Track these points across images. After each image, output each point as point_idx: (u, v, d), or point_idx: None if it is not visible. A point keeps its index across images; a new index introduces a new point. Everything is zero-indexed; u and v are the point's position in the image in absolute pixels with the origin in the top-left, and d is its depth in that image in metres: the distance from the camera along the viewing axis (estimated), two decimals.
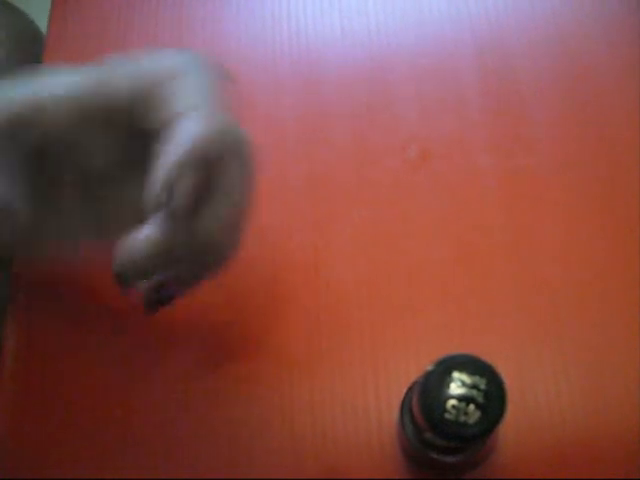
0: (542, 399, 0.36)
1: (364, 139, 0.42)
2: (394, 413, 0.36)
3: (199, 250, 0.30)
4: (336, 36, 0.45)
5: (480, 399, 0.25)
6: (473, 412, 0.25)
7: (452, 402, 0.25)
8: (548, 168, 0.41)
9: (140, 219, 0.30)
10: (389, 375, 0.37)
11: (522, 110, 0.42)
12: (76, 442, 0.36)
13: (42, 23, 0.51)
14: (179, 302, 0.33)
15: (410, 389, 0.31)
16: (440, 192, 0.40)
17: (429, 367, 0.26)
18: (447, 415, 0.25)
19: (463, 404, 0.25)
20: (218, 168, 0.29)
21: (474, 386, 0.25)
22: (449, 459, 0.30)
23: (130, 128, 0.31)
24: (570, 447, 0.35)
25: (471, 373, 0.25)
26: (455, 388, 0.25)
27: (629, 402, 0.35)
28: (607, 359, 0.36)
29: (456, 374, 0.25)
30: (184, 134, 0.28)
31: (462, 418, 0.25)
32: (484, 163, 0.41)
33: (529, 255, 0.39)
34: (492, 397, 0.25)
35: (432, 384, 0.25)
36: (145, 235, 0.30)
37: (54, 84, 0.30)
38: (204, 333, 0.38)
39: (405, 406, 0.31)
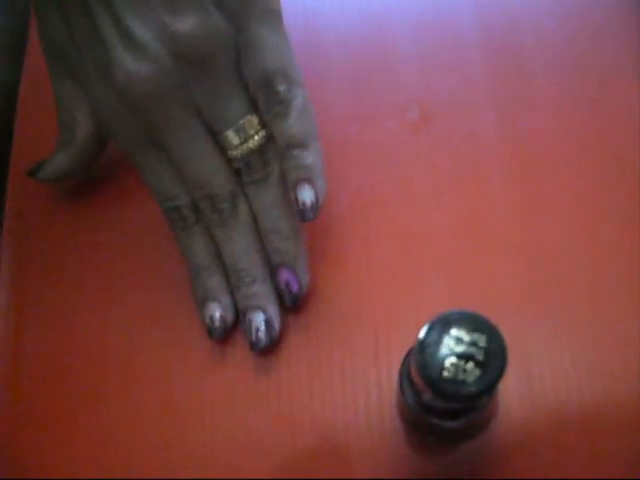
0: (545, 366, 0.35)
1: (363, 101, 0.41)
2: (393, 380, 0.35)
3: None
4: None
5: (479, 357, 0.24)
6: (472, 370, 0.24)
7: (450, 360, 0.24)
8: (551, 129, 0.39)
9: None
10: (389, 342, 0.36)
11: (525, 71, 0.41)
12: (74, 416, 0.36)
13: None
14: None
15: (409, 353, 0.31)
16: (441, 153, 0.39)
17: (426, 324, 0.25)
18: (445, 373, 0.24)
19: (462, 362, 0.24)
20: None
21: (473, 343, 0.24)
22: (449, 424, 0.29)
23: None
24: (573, 414, 0.34)
25: (470, 330, 0.24)
26: (454, 345, 0.24)
27: (635, 374, 0.34)
28: (612, 326, 0.35)
29: (454, 331, 0.24)
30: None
31: (461, 376, 0.24)
32: (486, 124, 0.40)
33: (533, 219, 0.38)
34: (492, 355, 0.24)
35: (430, 341, 0.24)
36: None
37: None
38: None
39: (404, 370, 0.31)
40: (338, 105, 0.41)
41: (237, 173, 0.34)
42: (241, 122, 0.33)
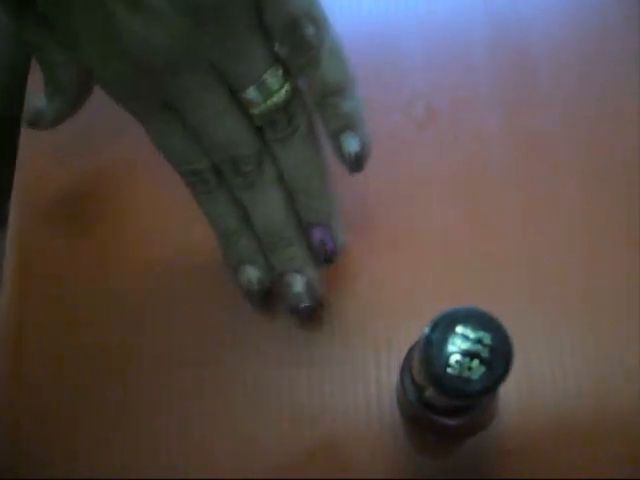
0: (546, 365, 0.35)
1: (369, 96, 0.40)
2: (393, 377, 0.35)
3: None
4: None
5: (485, 354, 0.24)
6: (477, 367, 0.24)
7: (455, 357, 0.24)
8: (556, 128, 0.39)
9: None
10: (389, 337, 0.36)
11: (532, 69, 0.41)
12: (74, 416, 0.36)
13: None
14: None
15: (411, 349, 0.30)
16: (446, 150, 0.39)
17: (432, 321, 0.25)
18: (450, 370, 0.24)
19: (467, 359, 0.24)
20: None
21: (479, 341, 0.24)
22: (450, 422, 0.29)
23: None
24: (573, 412, 0.34)
25: (476, 327, 0.24)
26: (459, 342, 0.24)
27: (636, 372, 0.34)
28: (614, 326, 0.35)
29: (460, 328, 0.24)
30: None
31: (465, 373, 0.24)
32: (491, 121, 0.40)
33: (537, 215, 0.38)
34: (497, 352, 0.24)
35: (435, 338, 0.24)
36: None
37: None
38: (205, 294, 0.37)
39: (406, 366, 0.30)
40: None
41: (260, 130, 0.32)
42: (264, 77, 0.30)
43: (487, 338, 0.24)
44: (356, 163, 0.31)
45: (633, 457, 0.33)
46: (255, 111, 0.30)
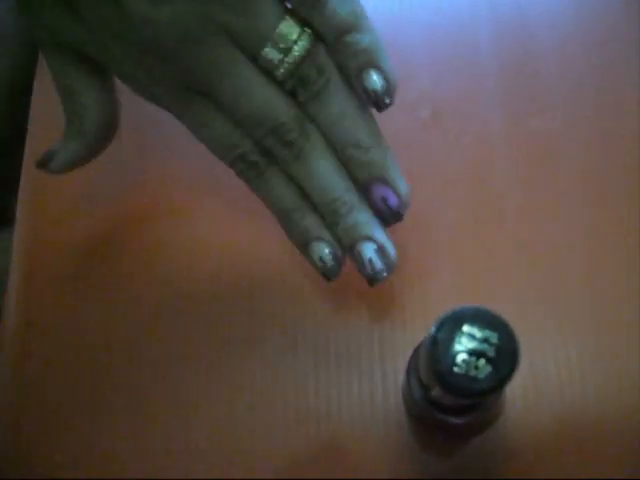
0: (550, 364, 0.35)
1: None
2: (399, 376, 0.35)
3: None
4: None
5: (491, 353, 0.24)
6: (484, 367, 0.24)
7: (462, 356, 0.24)
8: (560, 130, 0.39)
9: None
10: (394, 335, 0.36)
11: (537, 72, 0.41)
12: (75, 416, 0.36)
13: None
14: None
15: (417, 348, 0.31)
16: (451, 152, 0.39)
17: (438, 320, 0.25)
18: (456, 369, 0.24)
19: (473, 358, 0.24)
20: None
21: (485, 340, 0.24)
22: (456, 420, 0.29)
23: None
24: (578, 411, 0.34)
25: (482, 326, 0.24)
26: (466, 342, 0.24)
27: None
28: (619, 325, 0.35)
29: (466, 327, 0.24)
30: None
31: (472, 372, 0.24)
32: (497, 124, 0.40)
33: (541, 217, 0.38)
34: (504, 352, 0.24)
35: (442, 337, 0.24)
36: None
37: None
38: (205, 294, 0.38)
39: (412, 366, 0.31)
40: None
41: (293, 94, 0.30)
42: (278, 30, 0.28)
43: (493, 337, 0.24)
44: (384, 99, 0.29)
45: (636, 457, 0.33)
46: (281, 70, 0.29)
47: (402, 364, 0.32)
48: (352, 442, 0.34)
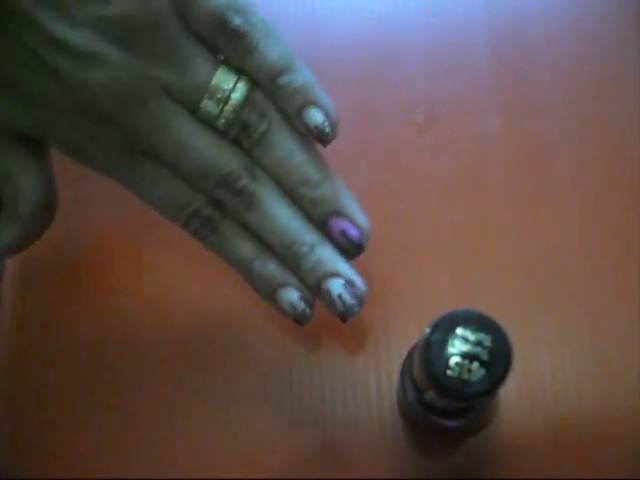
0: (545, 366, 0.35)
1: (370, 101, 0.41)
2: (394, 379, 0.35)
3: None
4: None
5: (484, 357, 0.24)
6: (477, 370, 0.24)
7: (455, 359, 0.24)
8: (556, 133, 0.40)
9: None
10: (389, 339, 0.36)
11: (532, 74, 0.41)
12: (75, 418, 0.36)
13: None
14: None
15: (411, 351, 0.31)
16: (446, 155, 0.39)
17: (432, 323, 0.25)
18: (450, 372, 0.24)
19: (467, 361, 0.24)
20: None
21: (478, 343, 0.24)
22: (450, 423, 0.29)
23: None
24: (572, 414, 0.34)
25: (476, 329, 0.24)
26: (459, 345, 0.24)
27: (636, 375, 0.35)
28: (614, 326, 0.36)
29: (460, 330, 0.24)
30: None
31: (465, 375, 0.24)
32: (492, 127, 0.40)
33: (536, 220, 0.38)
34: (497, 355, 0.24)
35: (435, 340, 0.25)
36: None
37: None
38: (201, 293, 0.38)
39: (406, 368, 0.31)
40: (344, 105, 0.41)
41: (237, 142, 0.30)
42: (213, 82, 0.29)
43: (487, 340, 0.24)
44: (327, 133, 0.30)
45: (633, 457, 0.33)
46: (221, 121, 0.29)
47: (396, 366, 0.32)
48: (346, 444, 0.35)
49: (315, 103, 0.29)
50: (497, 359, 0.24)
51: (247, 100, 0.29)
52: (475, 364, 0.24)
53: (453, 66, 0.41)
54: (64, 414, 0.36)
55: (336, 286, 0.31)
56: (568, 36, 0.42)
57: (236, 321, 0.37)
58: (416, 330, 0.35)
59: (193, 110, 0.29)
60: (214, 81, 0.29)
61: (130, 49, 0.28)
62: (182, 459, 0.35)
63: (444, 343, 0.25)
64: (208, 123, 0.29)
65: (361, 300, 0.31)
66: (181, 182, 0.30)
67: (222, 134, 0.30)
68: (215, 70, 0.29)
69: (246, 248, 0.31)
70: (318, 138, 0.30)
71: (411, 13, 0.43)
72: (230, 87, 0.29)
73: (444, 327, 0.25)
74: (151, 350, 0.37)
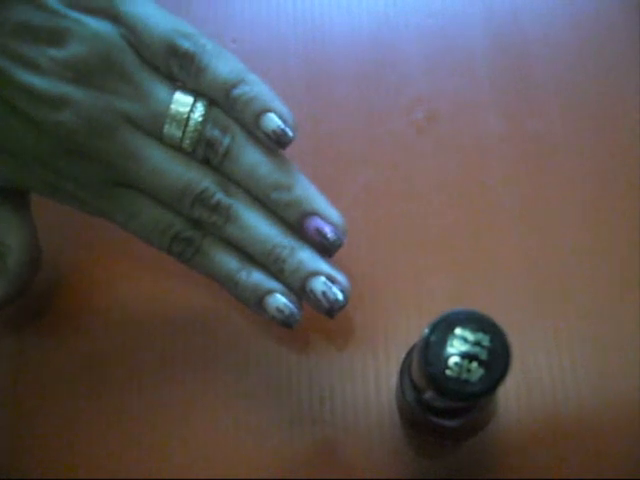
0: (544, 366, 0.35)
1: (370, 100, 0.41)
2: (392, 379, 0.35)
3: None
4: None
5: (483, 356, 0.24)
6: (476, 370, 0.24)
7: (454, 359, 0.24)
8: (556, 132, 0.40)
9: None
10: (387, 339, 0.36)
11: (531, 73, 0.41)
12: (74, 420, 0.36)
13: None
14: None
15: (410, 351, 0.31)
16: (446, 155, 0.39)
17: (431, 323, 0.25)
18: (449, 372, 0.24)
19: (466, 361, 0.24)
20: None
21: (477, 343, 0.24)
22: (448, 423, 0.29)
23: None
24: (571, 414, 0.34)
25: (475, 329, 0.24)
26: (458, 345, 0.24)
27: (634, 372, 0.35)
28: (613, 327, 0.36)
29: (459, 330, 0.24)
30: None
31: (464, 375, 0.24)
32: (491, 126, 0.40)
33: (535, 219, 0.38)
34: (496, 355, 0.24)
35: (434, 340, 0.24)
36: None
37: None
38: (200, 293, 0.38)
39: (405, 368, 0.31)
40: (344, 104, 0.41)
41: (207, 161, 0.31)
42: (171, 108, 0.30)
43: (486, 340, 0.24)
44: (284, 136, 0.30)
45: (632, 457, 0.33)
46: (186, 142, 0.31)
47: (395, 367, 0.32)
48: (345, 444, 0.35)
49: (270, 110, 0.30)
50: (496, 359, 0.24)
51: (207, 118, 0.31)
52: (474, 364, 0.24)
53: (452, 66, 0.41)
54: (64, 415, 0.36)
55: (319, 284, 0.32)
56: (567, 36, 0.42)
57: (236, 321, 0.37)
58: (414, 331, 0.36)
59: (159, 136, 0.31)
60: (173, 105, 0.30)
61: (90, 86, 0.29)
62: (182, 459, 0.35)
63: (443, 343, 0.24)
64: (175, 147, 0.31)
65: (345, 293, 0.32)
66: (160, 207, 0.31)
67: (190, 155, 0.31)
68: (172, 95, 0.31)
69: (230, 261, 0.32)
70: (277, 142, 0.31)
71: (410, 13, 0.43)
72: (188, 109, 0.30)
73: (443, 327, 0.25)
74: (151, 351, 0.37)
